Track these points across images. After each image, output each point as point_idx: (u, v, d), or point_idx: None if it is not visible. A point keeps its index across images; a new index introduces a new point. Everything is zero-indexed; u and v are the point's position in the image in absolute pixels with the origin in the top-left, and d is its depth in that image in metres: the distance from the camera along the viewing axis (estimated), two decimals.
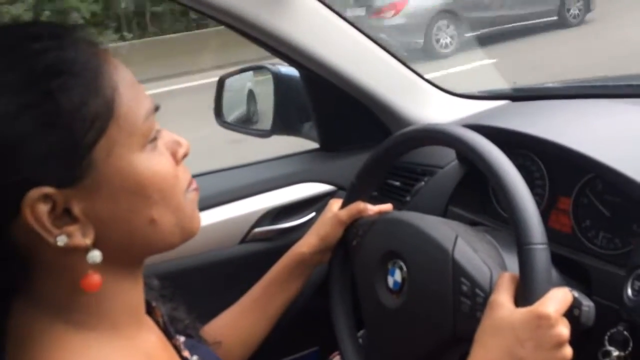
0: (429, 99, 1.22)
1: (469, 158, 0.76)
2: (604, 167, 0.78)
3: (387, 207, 0.96)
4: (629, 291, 0.74)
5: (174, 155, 0.59)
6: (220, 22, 1.02)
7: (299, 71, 1.20)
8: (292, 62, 1.13)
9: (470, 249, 0.77)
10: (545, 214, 0.96)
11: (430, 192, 1.10)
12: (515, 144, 0.95)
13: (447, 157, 1.10)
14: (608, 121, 0.91)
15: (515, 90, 1.23)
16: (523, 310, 0.64)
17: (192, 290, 1.15)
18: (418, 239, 0.81)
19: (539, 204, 0.98)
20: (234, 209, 1.17)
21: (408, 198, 1.14)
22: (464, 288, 0.73)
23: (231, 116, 1.41)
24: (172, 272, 1.06)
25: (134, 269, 0.60)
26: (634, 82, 1.12)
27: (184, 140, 0.61)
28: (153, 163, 0.55)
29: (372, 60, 1.14)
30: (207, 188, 1.16)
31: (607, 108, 0.97)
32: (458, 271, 0.75)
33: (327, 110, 1.25)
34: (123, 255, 0.56)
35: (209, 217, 1.15)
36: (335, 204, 0.97)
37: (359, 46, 1.12)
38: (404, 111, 1.18)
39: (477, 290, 0.72)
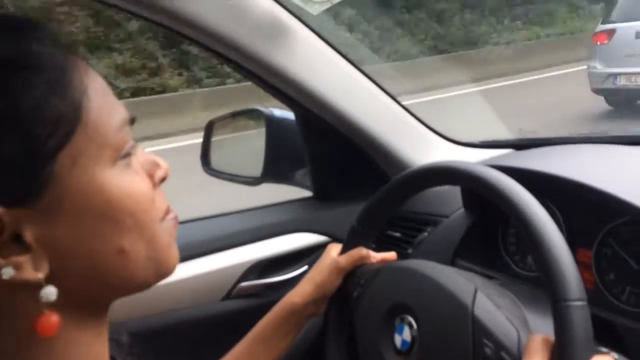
0: (432, 147, 1.15)
1: (491, 199, 0.68)
2: None
3: (392, 255, 0.87)
4: None
5: (150, 177, 0.50)
6: (213, 53, 0.96)
7: (295, 112, 1.13)
8: (288, 100, 1.06)
9: (492, 304, 0.67)
10: None
11: (435, 244, 1.01)
12: (527, 188, 0.87)
13: (452, 205, 1.02)
14: (634, 163, 0.84)
15: (519, 139, 1.18)
16: None
17: (168, 351, 1.03)
18: (431, 291, 0.71)
19: None
20: (217, 261, 1.07)
21: (410, 250, 1.05)
22: (487, 351, 0.63)
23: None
24: (146, 329, 0.94)
25: (98, 314, 0.49)
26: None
27: (163, 162, 0.52)
28: (126, 181, 0.47)
29: (374, 103, 1.08)
30: (189, 237, 1.06)
31: (627, 152, 0.91)
32: (480, 330, 0.65)
33: (323, 156, 1.17)
34: (85, 294, 0.46)
35: (190, 269, 1.04)
36: (334, 249, 0.88)
37: (361, 87, 1.06)
38: (406, 158, 1.10)
39: (504, 355, 0.62)
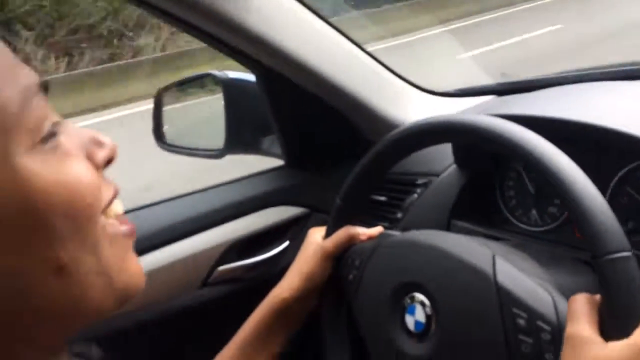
0: (409, 99, 1.06)
1: (504, 152, 0.60)
2: None
3: (378, 230, 0.78)
4: None
5: (90, 158, 0.38)
6: (149, 9, 0.82)
7: (255, 73, 1.01)
8: (246, 60, 0.94)
9: (515, 269, 0.60)
10: (570, 224, 0.81)
11: (427, 206, 0.93)
12: None
13: (442, 162, 0.94)
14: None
15: (501, 84, 1.10)
16: (622, 345, 0.48)
17: (148, 351, 0.93)
18: (442, 263, 0.63)
19: (559, 215, 0.83)
20: (190, 245, 0.96)
21: (399, 215, 0.97)
22: (521, 322, 0.56)
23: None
24: (118, 330, 0.83)
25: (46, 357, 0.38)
26: (632, 66, 1.01)
27: (106, 139, 0.40)
28: (53, 168, 0.35)
29: (343, 55, 0.97)
30: (154, 222, 0.95)
31: (628, 88, 0.84)
32: (507, 300, 0.58)
33: (291, 119, 1.06)
34: (13, 336, 0.35)
35: (160, 258, 0.93)
36: (317, 233, 0.78)
37: (327, 39, 0.95)
38: (384, 113, 1.01)
39: (540, 324, 0.55)
